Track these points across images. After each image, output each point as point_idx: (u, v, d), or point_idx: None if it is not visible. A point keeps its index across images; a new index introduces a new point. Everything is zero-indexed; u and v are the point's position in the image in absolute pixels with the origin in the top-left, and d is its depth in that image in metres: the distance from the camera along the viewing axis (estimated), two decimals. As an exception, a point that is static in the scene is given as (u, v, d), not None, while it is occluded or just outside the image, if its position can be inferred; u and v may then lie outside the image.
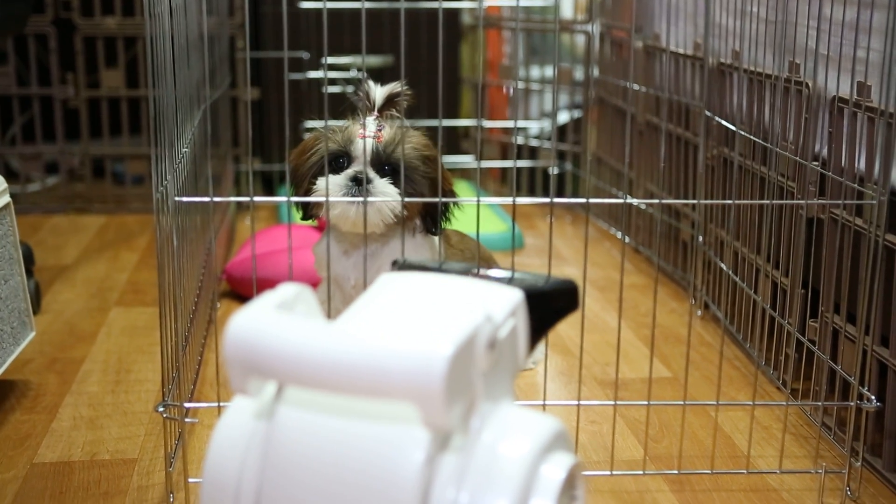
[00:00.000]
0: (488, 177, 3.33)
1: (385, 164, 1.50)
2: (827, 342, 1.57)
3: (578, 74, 3.08)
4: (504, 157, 3.29)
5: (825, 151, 1.61)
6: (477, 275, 0.99)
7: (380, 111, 1.54)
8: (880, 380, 1.44)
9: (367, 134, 1.50)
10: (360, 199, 1.45)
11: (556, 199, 1.30)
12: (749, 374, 1.81)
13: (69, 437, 1.55)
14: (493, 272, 1.00)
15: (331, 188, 1.47)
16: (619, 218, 2.75)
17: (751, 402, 1.48)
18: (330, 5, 2.85)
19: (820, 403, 1.52)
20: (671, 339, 2.01)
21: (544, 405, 1.39)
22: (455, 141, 3.25)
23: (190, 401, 1.52)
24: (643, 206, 2.52)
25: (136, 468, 1.46)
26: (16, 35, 2.86)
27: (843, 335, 1.51)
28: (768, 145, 1.73)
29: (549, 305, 0.96)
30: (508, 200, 1.33)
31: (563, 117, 3.14)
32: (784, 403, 1.55)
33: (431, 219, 1.56)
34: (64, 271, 2.40)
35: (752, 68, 1.83)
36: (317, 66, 2.96)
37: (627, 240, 2.66)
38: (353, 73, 2.93)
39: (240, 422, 0.93)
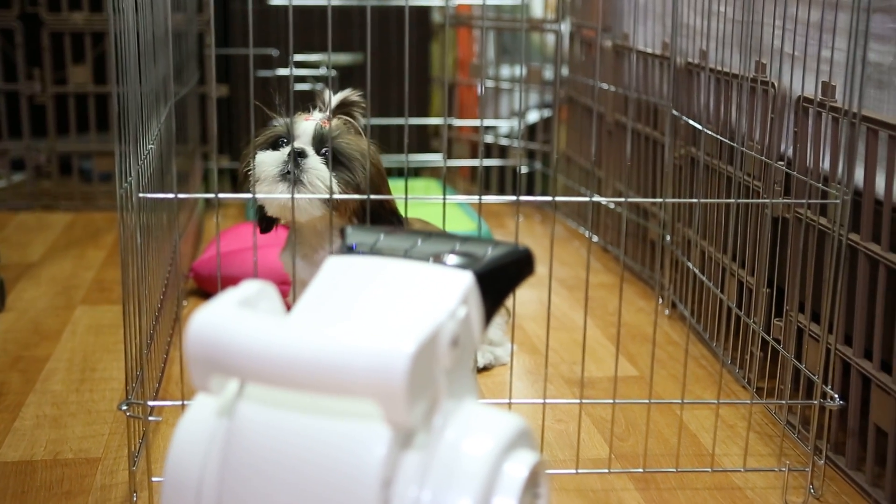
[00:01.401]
0: (458, 175, 3.33)
1: (325, 147, 1.50)
2: (791, 341, 1.58)
3: (548, 73, 3.08)
4: (474, 155, 3.29)
5: (790, 151, 1.62)
6: (426, 253, 0.95)
7: (333, 114, 1.55)
8: (844, 378, 1.45)
9: (312, 118, 1.52)
10: (291, 182, 1.46)
11: (523, 198, 1.30)
12: (715, 373, 1.82)
13: (32, 436, 1.54)
14: (440, 243, 0.96)
15: (267, 164, 1.48)
16: (588, 217, 2.76)
17: (715, 401, 1.49)
18: (297, 2, 2.84)
19: (784, 402, 1.53)
20: (638, 338, 2.02)
21: (510, 403, 1.39)
22: (425, 139, 3.25)
23: (154, 399, 1.51)
24: (611, 206, 2.53)
25: (99, 467, 1.44)
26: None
27: (807, 334, 1.52)
28: (734, 145, 1.74)
29: (502, 278, 0.93)
30: (475, 199, 1.32)
31: (533, 116, 3.14)
32: (748, 402, 1.56)
33: (369, 216, 1.52)
34: (29, 269, 2.38)
35: (718, 68, 1.84)
36: (286, 64, 2.95)
37: (595, 238, 2.67)
38: (322, 71, 2.92)
39: (201, 419, 0.93)
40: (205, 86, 2.95)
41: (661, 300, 2.21)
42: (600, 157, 2.64)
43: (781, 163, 1.62)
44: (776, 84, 1.64)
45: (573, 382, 1.78)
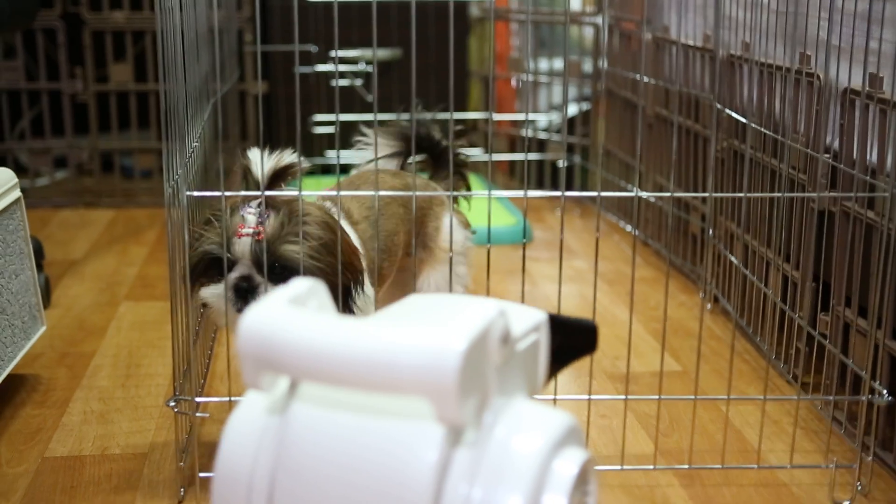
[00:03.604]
0: (496, 169, 3.32)
1: (271, 264, 1.29)
2: (838, 336, 1.57)
3: (587, 66, 3.07)
4: (512, 149, 3.28)
5: (836, 144, 1.61)
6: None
7: (269, 187, 1.30)
8: (892, 374, 1.44)
9: (245, 231, 1.28)
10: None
11: (568, 193, 1.30)
12: (759, 368, 1.81)
13: (80, 432, 1.55)
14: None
15: (213, 300, 1.31)
16: (629, 211, 2.74)
17: (762, 397, 1.47)
18: (338, -2, 2.85)
19: (831, 398, 1.51)
20: (681, 333, 2.01)
21: (555, 399, 1.38)
22: (463, 134, 3.24)
23: (200, 395, 1.52)
24: (653, 199, 2.51)
25: (146, 462, 1.46)
26: (24, 30, 2.86)
27: (854, 329, 1.50)
28: (779, 137, 1.73)
29: (569, 337, 0.98)
30: (520, 194, 1.32)
31: (572, 110, 3.13)
32: (795, 398, 1.55)
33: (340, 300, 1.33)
34: (73, 266, 2.40)
35: (762, 60, 1.83)
36: (325, 60, 2.96)
37: (637, 233, 2.66)
38: (362, 67, 2.93)
39: (252, 416, 0.93)
40: (244, 83, 2.96)
41: (703, 294, 2.19)
42: (641, 150, 2.63)
43: (827, 155, 1.61)
44: (821, 76, 1.62)
45: (616, 378, 1.77)
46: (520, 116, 3.20)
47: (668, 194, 1.35)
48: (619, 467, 1.41)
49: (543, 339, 0.96)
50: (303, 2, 2.92)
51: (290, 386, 0.91)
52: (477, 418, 0.86)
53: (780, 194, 1.62)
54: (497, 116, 3.28)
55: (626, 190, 2.72)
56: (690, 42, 2.23)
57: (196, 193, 1.25)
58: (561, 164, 3.07)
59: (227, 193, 1.22)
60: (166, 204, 1.25)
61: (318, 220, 1.31)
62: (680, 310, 2.14)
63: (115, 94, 2.99)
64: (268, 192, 1.25)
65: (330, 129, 3.01)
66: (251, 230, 1.28)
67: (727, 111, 1.99)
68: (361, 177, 1.66)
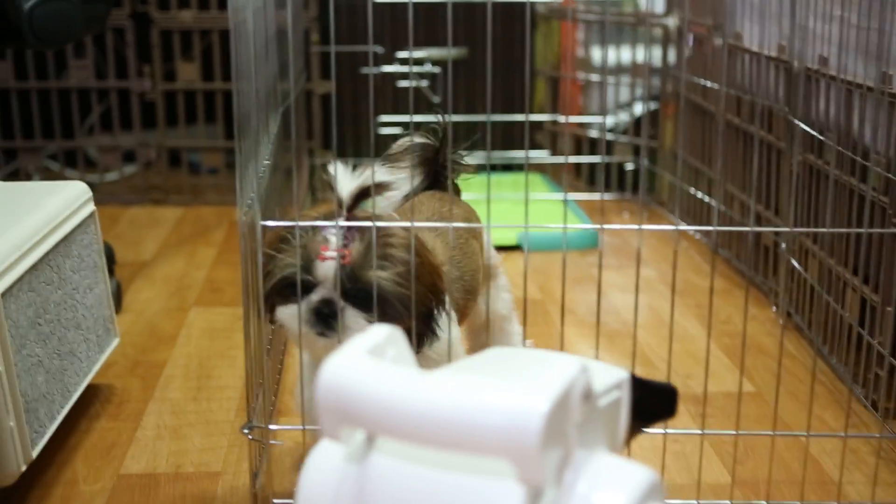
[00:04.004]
0: (561, 170, 3.29)
1: (354, 289, 1.24)
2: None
3: (657, 61, 3.03)
4: (578, 149, 3.25)
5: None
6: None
7: (350, 209, 1.26)
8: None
9: (329, 254, 1.24)
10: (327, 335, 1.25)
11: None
12: (836, 391, 1.77)
13: (154, 448, 1.57)
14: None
15: (291, 321, 1.27)
16: (697, 216, 2.70)
17: (843, 434, 1.44)
18: (405, -1, 2.84)
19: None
20: (752, 349, 1.98)
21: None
22: (530, 133, 3.23)
23: (272, 418, 1.52)
24: (723, 208, 2.48)
25: (220, 482, 1.47)
26: (97, 34, 2.89)
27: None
28: (857, 158, 1.69)
29: (649, 397, 0.97)
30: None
31: (639, 109, 3.09)
32: (877, 436, 1.51)
33: (417, 333, 1.29)
34: (143, 268, 2.43)
35: (840, 76, 1.78)
36: (390, 60, 2.95)
37: (705, 241, 2.62)
38: (427, 68, 2.92)
39: (330, 464, 0.93)
40: (311, 82, 2.97)
41: (775, 308, 2.16)
42: (711, 155, 2.59)
43: (910, 179, 1.57)
44: (905, 96, 1.58)
45: (688, 399, 1.75)
46: (589, 119, 3.17)
47: (747, 229, 1.32)
48: (695, 502, 1.39)
49: (625, 397, 0.95)
50: (366, 2, 2.91)
51: (367, 435, 0.91)
52: (558, 476, 0.85)
53: (863, 230, 1.58)
54: (571, 119, 3.25)
55: (694, 197, 2.68)
56: (764, 51, 2.19)
57: (270, 223, 1.24)
58: (629, 166, 3.04)
59: (301, 223, 1.21)
60: (240, 234, 1.25)
61: (405, 242, 1.26)
62: (751, 324, 2.11)
63: (183, 92, 3.01)
64: (343, 223, 1.23)
65: (395, 130, 3.01)
66: (335, 253, 1.23)
67: (803, 126, 1.95)
68: (423, 208, 1.55)
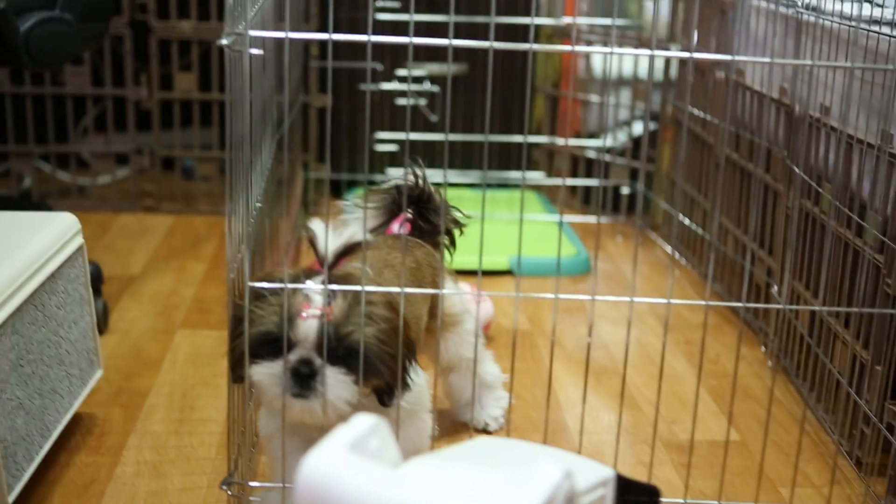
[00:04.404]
0: (558, 190, 3.28)
1: (336, 348, 1.23)
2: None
3: (655, 95, 3.01)
4: (575, 169, 3.24)
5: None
6: None
7: (332, 267, 1.24)
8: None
9: (311, 312, 1.22)
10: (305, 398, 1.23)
11: (636, 299, 1.26)
12: (820, 443, 1.76)
13: (132, 486, 1.56)
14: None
15: (267, 381, 1.23)
16: (690, 244, 2.69)
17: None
18: (405, 17, 2.82)
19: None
20: (740, 393, 1.97)
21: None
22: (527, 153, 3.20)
23: (252, 475, 1.50)
24: (715, 242, 2.46)
25: (198, 528, 1.46)
26: (94, 49, 2.87)
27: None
28: (854, 217, 1.68)
29: (633, 498, 0.95)
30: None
31: (638, 129, 3.08)
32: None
33: (388, 390, 1.30)
34: (131, 284, 2.41)
35: (840, 128, 1.77)
36: (389, 77, 2.93)
37: (684, 263, 2.61)
38: (427, 86, 2.90)
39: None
40: (308, 95, 2.95)
41: (764, 348, 2.15)
42: (707, 188, 2.57)
43: (905, 241, 1.55)
44: (903, 156, 1.56)
45: (672, 447, 1.74)
46: (587, 142, 3.15)
47: (741, 304, 1.30)
48: (674, 569, 1.38)
49: (609, 495, 0.94)
50: (365, 19, 2.89)
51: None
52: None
53: (856, 309, 1.56)
54: (572, 141, 3.24)
55: (686, 225, 2.67)
56: (765, 91, 2.17)
57: (258, 284, 1.23)
58: (625, 190, 3.03)
59: (290, 286, 1.20)
60: (229, 292, 1.24)
61: (383, 299, 1.27)
62: (740, 365, 2.10)
63: (179, 102, 2.99)
64: (333, 287, 1.22)
65: (392, 147, 2.99)
66: (318, 311, 1.22)
67: (800, 173, 1.94)
68: (380, 256, 1.53)
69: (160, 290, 2.39)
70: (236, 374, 1.28)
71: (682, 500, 1.38)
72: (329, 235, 1.23)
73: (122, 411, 1.79)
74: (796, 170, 1.95)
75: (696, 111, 2.62)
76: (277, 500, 1.40)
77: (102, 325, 2.11)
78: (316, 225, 1.25)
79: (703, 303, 1.24)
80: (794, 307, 1.86)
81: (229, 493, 1.30)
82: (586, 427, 1.80)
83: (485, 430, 1.76)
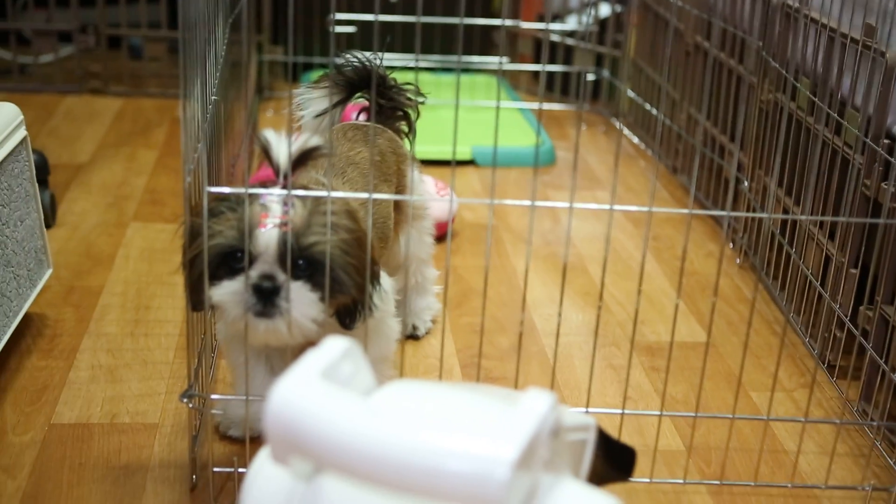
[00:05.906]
0: (521, 74, 3.19)
1: (298, 258, 1.15)
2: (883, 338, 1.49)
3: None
4: (538, 54, 3.14)
5: (898, 131, 1.50)
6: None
7: (291, 173, 1.16)
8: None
9: (271, 221, 1.14)
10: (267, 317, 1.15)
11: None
12: (790, 345, 1.74)
13: (88, 392, 1.50)
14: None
15: (227, 299, 1.15)
16: (654, 133, 2.63)
17: (803, 419, 1.41)
18: None
19: (876, 423, 1.44)
20: (708, 290, 1.94)
21: (587, 410, 1.32)
22: (488, 36, 3.10)
23: (213, 388, 1.45)
24: (683, 134, 2.41)
25: (157, 436, 1.40)
26: None
27: (900, 334, 1.43)
28: (833, 114, 1.62)
29: (610, 453, 0.92)
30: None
31: (605, 10, 2.98)
32: (837, 422, 1.47)
33: (349, 310, 1.23)
34: (79, 173, 2.31)
35: (820, 20, 1.70)
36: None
37: (659, 159, 2.56)
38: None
39: (277, 477, 0.87)
40: (260, -28, 2.81)
41: (731, 244, 2.12)
42: (673, 76, 2.50)
43: (888, 141, 1.50)
44: (885, 52, 1.50)
45: (643, 349, 1.71)
46: (553, 26, 3.05)
47: (685, 211, 1.25)
48: (647, 480, 1.36)
49: (590, 441, 0.89)
50: None
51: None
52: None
53: (842, 218, 1.51)
54: (522, 24, 3.14)
55: (650, 114, 2.61)
56: (741, -23, 2.09)
57: (216, 189, 1.15)
58: (590, 76, 2.95)
59: (251, 191, 1.12)
60: (185, 199, 1.16)
61: (343, 208, 1.19)
62: (707, 262, 2.07)
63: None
64: (296, 192, 1.15)
65: (349, 29, 2.87)
66: (277, 220, 1.14)
67: (774, 64, 1.87)
68: (342, 153, 1.46)
69: (110, 179, 2.30)
70: (195, 299, 1.20)
71: (657, 413, 1.35)
72: (283, 143, 1.15)
73: (75, 311, 1.72)
74: (772, 62, 1.89)
75: (665, -4, 2.54)
76: (239, 408, 1.35)
77: (50, 219, 2.02)
78: (269, 134, 1.16)
79: (686, 211, 1.18)
80: (777, 216, 1.82)
81: (190, 405, 1.24)
82: (555, 328, 1.76)
83: (413, 336, 1.71)
